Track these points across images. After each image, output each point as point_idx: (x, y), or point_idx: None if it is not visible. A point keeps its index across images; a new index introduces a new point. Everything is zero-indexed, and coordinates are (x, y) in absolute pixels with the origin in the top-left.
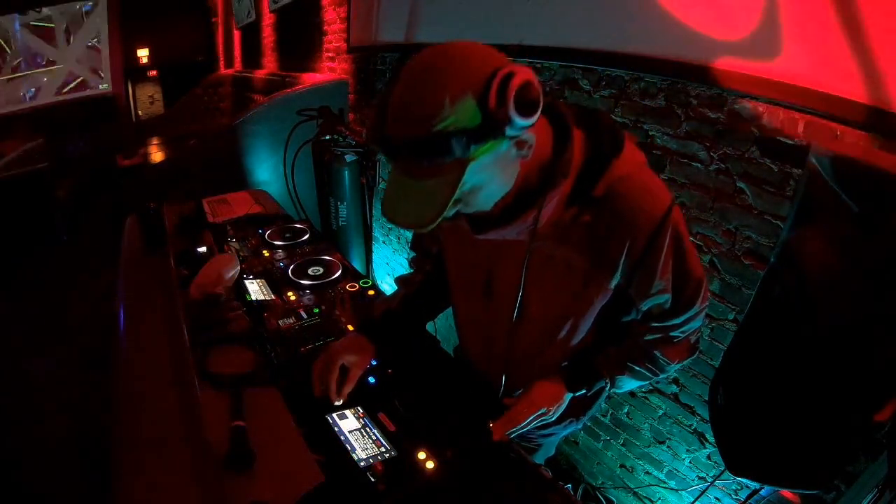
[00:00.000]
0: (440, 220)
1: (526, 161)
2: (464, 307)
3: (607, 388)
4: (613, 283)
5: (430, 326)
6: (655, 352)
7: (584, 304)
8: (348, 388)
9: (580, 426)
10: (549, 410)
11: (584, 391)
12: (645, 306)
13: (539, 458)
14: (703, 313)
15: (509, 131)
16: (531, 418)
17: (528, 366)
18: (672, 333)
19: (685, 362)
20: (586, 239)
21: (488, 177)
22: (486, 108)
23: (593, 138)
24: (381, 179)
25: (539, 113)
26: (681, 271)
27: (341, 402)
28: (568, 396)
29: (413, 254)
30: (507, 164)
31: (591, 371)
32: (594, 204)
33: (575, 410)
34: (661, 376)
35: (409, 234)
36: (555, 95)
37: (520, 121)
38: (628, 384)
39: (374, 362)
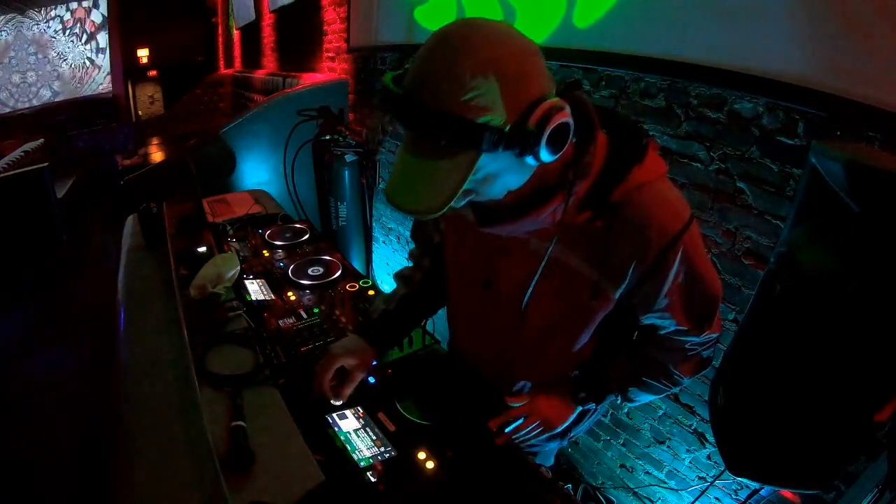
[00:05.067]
0: (447, 208)
1: None
2: (461, 299)
3: (604, 405)
4: (618, 293)
5: (429, 325)
6: (669, 365)
7: (587, 312)
8: (348, 390)
9: (564, 443)
10: (553, 424)
11: (592, 405)
12: (647, 321)
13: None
14: (716, 336)
15: (529, 159)
16: (531, 427)
17: (527, 366)
18: (685, 347)
19: (699, 374)
20: (596, 246)
21: (504, 167)
22: (524, 125)
23: (616, 141)
24: (381, 179)
25: (561, 154)
26: (692, 292)
27: (340, 402)
28: (578, 409)
29: (412, 245)
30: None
31: (602, 383)
32: (609, 210)
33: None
34: (675, 389)
35: (408, 235)
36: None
37: (544, 154)
38: (643, 397)
39: (374, 363)
